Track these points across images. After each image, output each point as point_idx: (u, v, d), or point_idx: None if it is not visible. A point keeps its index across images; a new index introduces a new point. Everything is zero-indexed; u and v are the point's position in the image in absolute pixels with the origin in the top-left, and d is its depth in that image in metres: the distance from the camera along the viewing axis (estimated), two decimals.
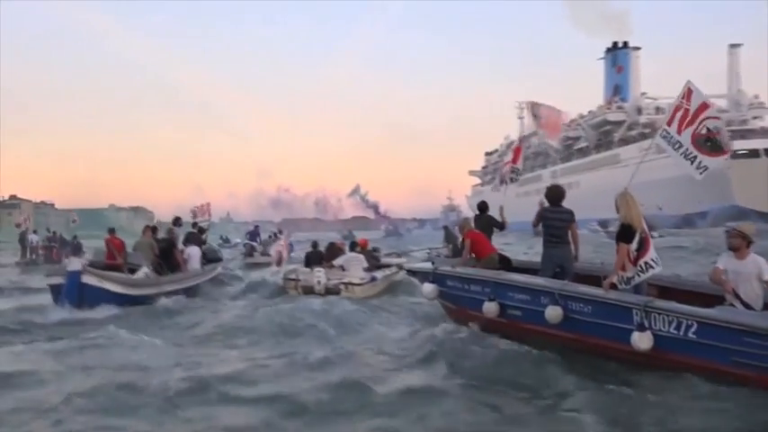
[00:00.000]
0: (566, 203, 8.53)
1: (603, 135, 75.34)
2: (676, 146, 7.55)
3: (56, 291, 12.89)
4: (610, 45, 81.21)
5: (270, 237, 30.75)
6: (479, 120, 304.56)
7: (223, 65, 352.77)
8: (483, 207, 11.27)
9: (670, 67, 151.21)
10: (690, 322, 6.38)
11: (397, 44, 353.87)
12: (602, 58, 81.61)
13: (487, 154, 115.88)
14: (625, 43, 79.66)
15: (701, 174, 7.45)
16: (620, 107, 73.43)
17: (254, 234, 30.42)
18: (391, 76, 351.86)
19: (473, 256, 9.71)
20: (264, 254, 26.51)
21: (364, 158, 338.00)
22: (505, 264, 9.90)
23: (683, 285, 8.24)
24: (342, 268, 14.27)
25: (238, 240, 30.09)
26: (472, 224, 10.40)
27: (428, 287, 9.56)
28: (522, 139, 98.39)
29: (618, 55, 78.89)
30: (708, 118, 7.44)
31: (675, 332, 6.46)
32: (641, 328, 6.58)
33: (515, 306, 8.14)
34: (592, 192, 55.76)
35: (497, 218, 10.97)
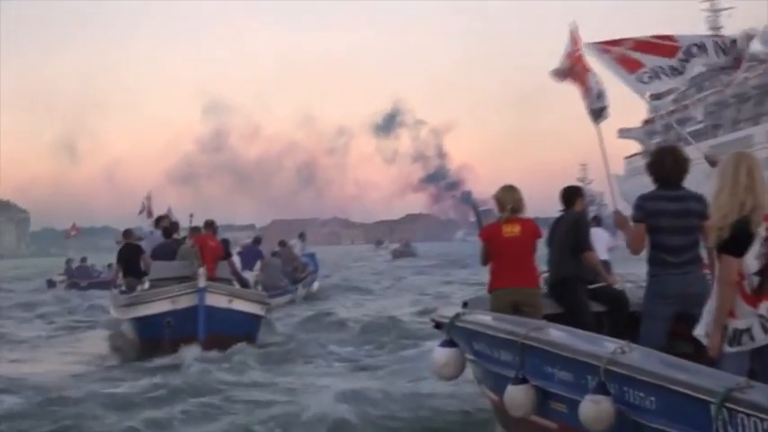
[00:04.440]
0: None
1: None
2: None
3: (147, 327, 9.53)
4: None
5: (274, 253, 18.26)
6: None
7: None
8: (570, 196, 5.87)
9: None
10: None
11: None
12: None
13: (654, 98, 46.03)
14: None
15: None
16: None
17: (253, 254, 16.03)
18: None
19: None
20: (276, 293, 15.08)
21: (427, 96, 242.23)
22: (613, 303, 5.51)
23: None
24: None
25: None
26: (509, 205, 5.51)
27: (440, 354, 5.07)
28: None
29: None
30: None
31: None
32: None
33: (557, 394, 4.08)
34: None
35: (595, 226, 7.10)
